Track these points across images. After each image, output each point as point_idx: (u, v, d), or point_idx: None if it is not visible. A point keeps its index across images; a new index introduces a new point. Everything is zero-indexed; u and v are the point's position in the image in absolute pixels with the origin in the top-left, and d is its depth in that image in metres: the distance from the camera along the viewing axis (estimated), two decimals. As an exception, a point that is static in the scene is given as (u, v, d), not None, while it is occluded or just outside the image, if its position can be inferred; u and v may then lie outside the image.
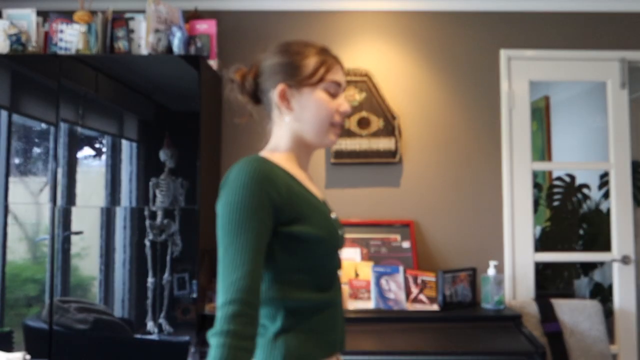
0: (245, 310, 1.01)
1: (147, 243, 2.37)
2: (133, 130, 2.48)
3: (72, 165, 2.42)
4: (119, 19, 2.57)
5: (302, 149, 1.26)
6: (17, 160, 2.42)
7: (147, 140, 2.45)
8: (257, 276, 1.04)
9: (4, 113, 2.44)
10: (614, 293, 2.92)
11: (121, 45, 2.56)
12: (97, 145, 2.44)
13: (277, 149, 1.25)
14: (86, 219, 2.40)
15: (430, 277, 2.52)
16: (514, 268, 2.86)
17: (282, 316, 1.13)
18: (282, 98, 1.21)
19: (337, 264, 1.24)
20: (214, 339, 1.01)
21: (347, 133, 2.87)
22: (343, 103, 1.24)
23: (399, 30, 2.96)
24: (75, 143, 2.42)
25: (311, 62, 1.21)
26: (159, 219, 2.38)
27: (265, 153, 1.24)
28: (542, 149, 4.26)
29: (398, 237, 2.79)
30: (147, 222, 2.37)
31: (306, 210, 1.15)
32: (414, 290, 2.52)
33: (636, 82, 3.17)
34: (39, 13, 2.62)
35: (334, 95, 1.23)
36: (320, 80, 1.21)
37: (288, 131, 1.24)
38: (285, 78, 1.21)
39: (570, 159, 4.32)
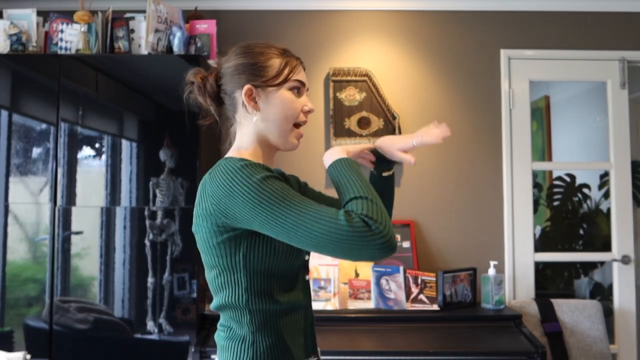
0: (373, 202, 1.07)
1: (147, 243, 2.37)
2: (133, 130, 2.48)
3: (72, 165, 2.42)
4: (119, 19, 2.57)
5: (265, 151, 1.27)
6: (17, 160, 2.42)
7: (147, 140, 2.45)
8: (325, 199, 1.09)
9: (4, 113, 2.44)
10: (614, 293, 2.92)
11: (121, 45, 2.56)
12: (97, 145, 2.44)
13: (243, 148, 1.26)
14: (86, 219, 2.40)
15: (430, 277, 2.53)
16: (514, 268, 2.86)
17: (249, 319, 1.14)
18: (248, 98, 1.22)
19: (301, 265, 1.24)
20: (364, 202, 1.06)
21: (347, 133, 2.87)
22: (307, 102, 1.27)
23: (399, 30, 2.96)
24: (75, 143, 2.42)
25: (275, 62, 1.23)
26: (159, 219, 2.38)
27: (232, 154, 1.25)
28: (542, 149, 4.26)
29: (398, 237, 2.79)
30: (147, 222, 2.38)
31: None
32: (414, 290, 2.52)
33: (636, 82, 3.17)
34: (39, 13, 2.62)
35: (298, 95, 1.25)
36: (285, 80, 1.22)
37: (253, 131, 1.25)
38: (250, 78, 1.22)
39: (570, 159, 4.32)
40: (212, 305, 1.23)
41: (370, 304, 2.52)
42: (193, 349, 2.23)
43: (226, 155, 1.25)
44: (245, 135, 1.26)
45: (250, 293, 1.14)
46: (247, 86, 1.21)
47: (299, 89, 1.25)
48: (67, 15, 2.58)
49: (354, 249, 1.01)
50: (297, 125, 1.26)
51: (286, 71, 1.22)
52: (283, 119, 1.23)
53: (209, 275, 1.20)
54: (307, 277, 1.27)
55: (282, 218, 1.04)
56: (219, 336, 1.22)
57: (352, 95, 2.89)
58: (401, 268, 2.50)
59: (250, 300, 1.14)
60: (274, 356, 1.14)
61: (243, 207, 1.07)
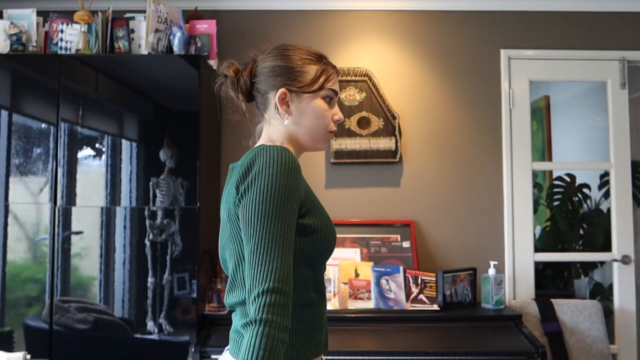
0: (285, 301, 1.01)
1: (147, 243, 2.37)
2: (133, 130, 2.48)
3: (72, 165, 2.42)
4: (119, 19, 2.57)
5: (295, 148, 1.29)
6: (17, 160, 2.42)
7: (147, 140, 2.45)
8: (291, 267, 1.05)
9: (4, 113, 2.44)
10: (614, 293, 2.92)
11: (121, 45, 2.56)
12: (97, 145, 2.44)
13: (277, 142, 1.26)
14: (86, 219, 2.40)
15: (430, 277, 2.53)
16: (514, 268, 2.86)
17: None
18: (282, 101, 1.23)
19: (325, 267, 1.26)
20: (254, 327, 0.98)
21: (347, 133, 2.87)
22: (338, 112, 1.29)
23: (399, 30, 2.96)
24: (75, 143, 2.42)
25: (312, 69, 1.24)
26: (159, 219, 2.38)
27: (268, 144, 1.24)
28: (542, 149, 4.25)
29: (398, 237, 2.79)
30: (147, 222, 2.37)
31: (313, 203, 1.18)
32: (414, 290, 2.52)
33: (636, 82, 3.17)
34: (39, 13, 2.62)
35: (330, 104, 1.27)
36: (320, 89, 1.24)
37: (284, 132, 1.26)
38: (287, 82, 1.23)
39: (570, 159, 4.32)
40: (234, 301, 1.18)
41: (370, 304, 2.52)
42: (193, 349, 2.23)
43: (263, 144, 1.22)
44: (276, 133, 1.27)
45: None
46: (282, 90, 1.23)
47: (332, 98, 1.27)
48: (67, 15, 2.58)
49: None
50: (329, 132, 1.28)
51: (322, 79, 1.24)
52: (314, 127, 1.25)
53: (241, 267, 1.15)
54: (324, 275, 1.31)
55: (262, 233, 1.04)
56: (240, 336, 1.17)
57: (352, 95, 2.89)
58: (401, 268, 2.50)
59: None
60: (297, 352, 1.14)
61: (259, 192, 1.07)
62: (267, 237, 1.04)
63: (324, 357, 1.29)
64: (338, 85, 1.29)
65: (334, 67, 1.28)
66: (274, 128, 1.27)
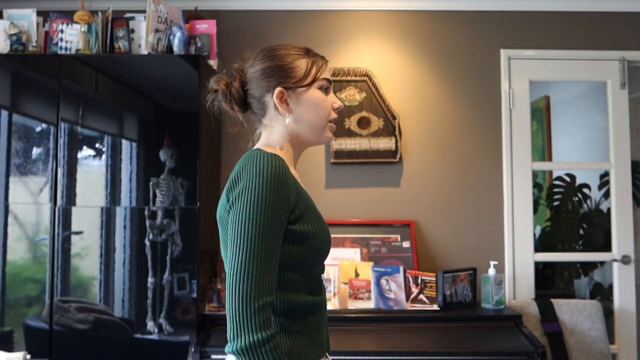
0: (266, 316, 1.05)
1: (147, 243, 2.37)
2: (133, 130, 2.48)
3: (72, 165, 2.42)
4: (119, 19, 2.57)
5: (295, 149, 1.29)
6: (17, 160, 2.42)
7: (147, 140, 2.45)
8: (273, 281, 1.08)
9: (4, 113, 2.44)
10: (614, 293, 2.92)
11: (121, 45, 2.56)
12: (97, 145, 2.44)
13: (276, 146, 1.26)
14: (86, 219, 2.40)
15: (430, 277, 2.53)
16: (514, 268, 2.86)
17: (274, 318, 1.15)
18: (281, 100, 1.23)
19: (323, 268, 1.26)
20: (254, 352, 1.02)
21: (347, 133, 2.87)
22: (335, 100, 1.30)
23: (399, 30, 2.96)
24: (75, 143, 2.42)
25: (302, 63, 1.24)
26: (159, 219, 2.38)
27: (265, 149, 1.24)
28: (542, 149, 4.25)
29: (398, 237, 2.79)
30: (147, 222, 2.37)
31: (306, 209, 1.17)
32: (414, 290, 2.52)
33: (636, 82, 3.17)
34: (39, 13, 2.62)
35: (326, 93, 1.27)
36: (314, 80, 1.24)
37: (285, 132, 1.26)
38: (280, 81, 1.23)
39: (571, 159, 4.32)
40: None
41: (370, 304, 2.52)
42: (193, 349, 2.23)
43: (259, 148, 1.22)
44: (276, 135, 1.26)
45: (282, 290, 1.14)
46: (278, 89, 1.22)
47: (327, 87, 1.27)
48: (67, 15, 2.58)
49: (236, 313, 1.03)
50: (330, 121, 1.29)
51: (314, 71, 1.25)
52: (316, 118, 1.25)
53: None
54: (323, 276, 1.30)
55: (253, 247, 1.05)
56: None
57: (352, 95, 2.89)
58: (401, 268, 2.50)
59: (279, 298, 1.14)
60: (298, 353, 1.14)
61: (248, 204, 1.07)
62: (259, 250, 1.05)
63: (329, 357, 1.29)
64: (329, 74, 1.30)
65: (322, 57, 1.29)
66: (275, 131, 1.26)
